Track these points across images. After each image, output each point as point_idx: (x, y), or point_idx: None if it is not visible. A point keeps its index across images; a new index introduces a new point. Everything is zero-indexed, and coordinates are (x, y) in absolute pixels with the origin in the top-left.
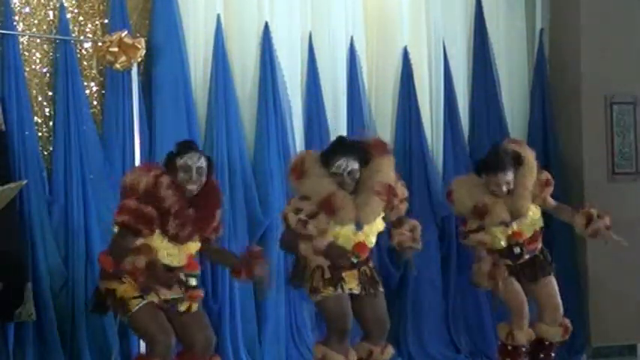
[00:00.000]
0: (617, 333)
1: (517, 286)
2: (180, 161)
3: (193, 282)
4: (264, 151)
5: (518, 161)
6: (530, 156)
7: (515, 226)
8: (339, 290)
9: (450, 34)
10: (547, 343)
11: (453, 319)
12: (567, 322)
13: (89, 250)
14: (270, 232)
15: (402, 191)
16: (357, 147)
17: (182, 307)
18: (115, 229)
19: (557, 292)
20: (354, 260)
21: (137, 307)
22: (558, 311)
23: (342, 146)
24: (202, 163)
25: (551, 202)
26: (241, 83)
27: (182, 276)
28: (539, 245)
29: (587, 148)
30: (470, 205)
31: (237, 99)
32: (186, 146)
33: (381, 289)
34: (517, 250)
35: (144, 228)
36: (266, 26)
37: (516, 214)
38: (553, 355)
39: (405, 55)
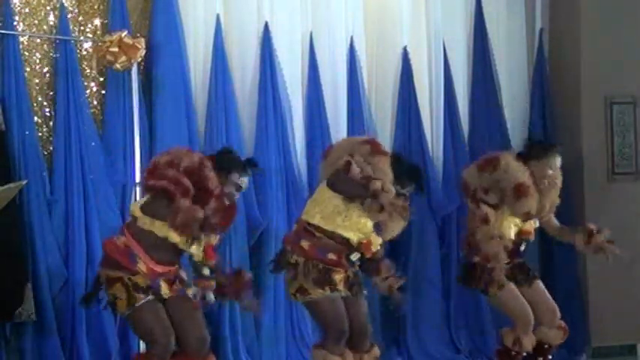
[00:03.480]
0: (617, 333)
1: (518, 291)
2: (237, 179)
3: (206, 271)
4: (264, 151)
5: None
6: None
7: (532, 222)
8: (331, 292)
9: (450, 34)
10: (546, 346)
11: (453, 319)
12: (564, 324)
13: (89, 250)
14: (268, 233)
15: None
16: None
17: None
18: (142, 201)
19: (549, 295)
20: (353, 258)
21: (141, 303)
22: (555, 314)
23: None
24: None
25: (555, 221)
26: (241, 83)
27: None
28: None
29: (587, 148)
30: (519, 179)
31: (237, 99)
32: (250, 167)
33: (364, 292)
34: (523, 247)
35: (180, 195)
36: (266, 26)
37: (538, 213)
38: (550, 357)
39: (405, 55)
